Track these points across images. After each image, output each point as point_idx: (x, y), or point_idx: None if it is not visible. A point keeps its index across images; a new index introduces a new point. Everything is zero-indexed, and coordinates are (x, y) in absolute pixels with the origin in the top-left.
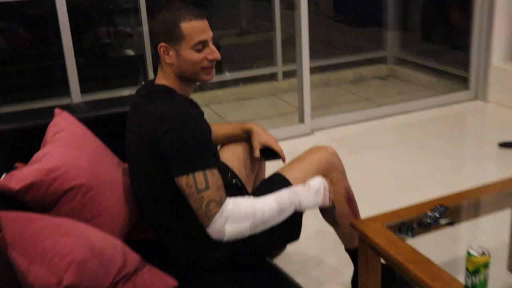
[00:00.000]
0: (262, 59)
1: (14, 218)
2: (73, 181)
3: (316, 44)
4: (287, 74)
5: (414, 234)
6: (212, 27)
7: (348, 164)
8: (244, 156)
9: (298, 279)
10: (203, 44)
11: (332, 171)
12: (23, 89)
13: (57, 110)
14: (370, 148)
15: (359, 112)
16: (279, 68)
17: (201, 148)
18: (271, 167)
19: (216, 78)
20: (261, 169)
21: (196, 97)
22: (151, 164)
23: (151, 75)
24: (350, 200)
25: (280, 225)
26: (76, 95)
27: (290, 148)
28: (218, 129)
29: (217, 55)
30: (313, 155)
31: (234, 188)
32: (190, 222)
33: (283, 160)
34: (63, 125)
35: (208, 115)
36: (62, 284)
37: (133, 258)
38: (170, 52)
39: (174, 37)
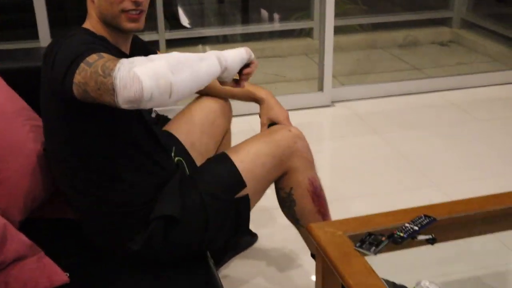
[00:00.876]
0: (298, 11)
1: None
2: None
3: None
4: None
5: (377, 250)
6: None
7: (362, 145)
8: (210, 120)
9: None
10: None
11: (293, 156)
12: None
13: None
14: (394, 129)
15: (398, 83)
16: (316, 23)
17: (91, 44)
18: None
19: (240, 29)
20: (227, 138)
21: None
22: (55, 110)
23: None
24: (316, 194)
25: (218, 215)
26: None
27: (303, 120)
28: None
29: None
30: (271, 135)
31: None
32: (103, 195)
33: None
34: None
35: None
36: None
37: (15, 245)
38: None
39: None
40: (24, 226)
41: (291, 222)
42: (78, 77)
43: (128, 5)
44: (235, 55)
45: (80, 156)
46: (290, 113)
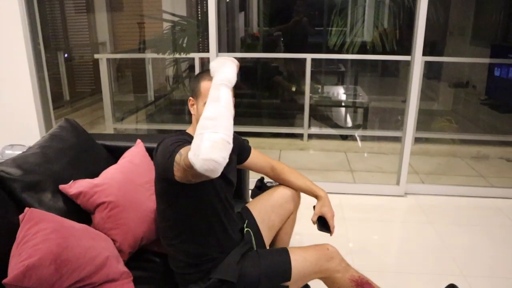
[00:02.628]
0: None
1: (44, 217)
2: (105, 198)
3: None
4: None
5: None
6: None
7: (414, 230)
8: (280, 203)
9: None
10: None
11: (332, 274)
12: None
13: (138, 140)
14: (447, 223)
15: (463, 187)
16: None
17: (182, 142)
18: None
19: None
20: (292, 218)
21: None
22: (160, 187)
23: None
24: (359, 284)
25: (268, 266)
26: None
27: (379, 203)
28: (297, 180)
29: None
30: (315, 248)
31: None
32: (182, 247)
33: (331, 234)
34: (131, 152)
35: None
36: (6, 280)
37: (110, 271)
38: (194, 106)
39: (196, 93)
40: (134, 256)
41: None
42: (176, 172)
43: None
44: (230, 74)
45: (173, 219)
46: (374, 197)
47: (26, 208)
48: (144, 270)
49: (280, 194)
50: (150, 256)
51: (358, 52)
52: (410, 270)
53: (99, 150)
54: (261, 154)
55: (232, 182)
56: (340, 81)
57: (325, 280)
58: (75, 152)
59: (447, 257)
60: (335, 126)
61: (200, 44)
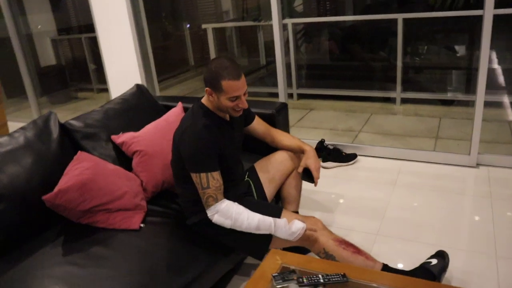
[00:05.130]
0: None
1: (87, 158)
2: (139, 147)
3: None
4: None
5: (281, 284)
6: None
7: (467, 204)
8: (279, 160)
9: None
10: (237, 97)
11: (315, 237)
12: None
13: (179, 102)
14: (508, 197)
15: None
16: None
17: (204, 157)
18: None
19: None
20: (293, 176)
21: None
22: (175, 157)
23: None
24: (343, 245)
25: (250, 240)
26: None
27: (448, 172)
28: (285, 140)
29: (245, 105)
30: (302, 216)
31: (246, 186)
32: (191, 197)
33: (315, 185)
34: (171, 112)
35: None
36: (44, 196)
37: (126, 202)
38: (213, 95)
39: (216, 88)
40: (158, 195)
41: None
42: (193, 177)
43: (237, 108)
44: (283, 236)
45: (182, 176)
46: (441, 166)
47: (79, 152)
48: (160, 206)
49: (278, 155)
50: (169, 197)
51: (463, 8)
52: (429, 241)
53: (158, 110)
54: (263, 123)
55: (241, 138)
56: (444, 41)
57: (309, 242)
58: (133, 112)
59: (491, 235)
60: (433, 90)
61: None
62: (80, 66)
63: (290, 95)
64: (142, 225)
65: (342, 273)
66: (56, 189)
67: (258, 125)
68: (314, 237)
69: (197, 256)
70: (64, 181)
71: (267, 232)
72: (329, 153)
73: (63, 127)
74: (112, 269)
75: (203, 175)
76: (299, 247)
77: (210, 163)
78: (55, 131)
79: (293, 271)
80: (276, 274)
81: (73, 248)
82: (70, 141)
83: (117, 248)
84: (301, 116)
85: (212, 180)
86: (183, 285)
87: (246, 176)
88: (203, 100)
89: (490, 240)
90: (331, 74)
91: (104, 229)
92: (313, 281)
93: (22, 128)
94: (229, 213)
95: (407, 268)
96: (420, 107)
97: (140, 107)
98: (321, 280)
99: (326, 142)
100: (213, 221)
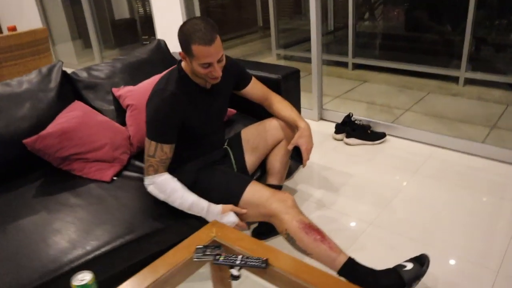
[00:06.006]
0: None
1: (79, 107)
2: (131, 101)
3: None
4: None
5: (199, 257)
6: None
7: (503, 209)
8: (267, 128)
9: None
10: (209, 64)
11: (280, 214)
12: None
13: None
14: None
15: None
16: None
17: (160, 127)
18: None
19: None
20: (281, 146)
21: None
22: None
23: None
24: (307, 229)
25: (223, 183)
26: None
27: (485, 167)
28: (283, 110)
29: (217, 74)
30: (273, 190)
31: (221, 154)
32: (182, 153)
33: (303, 166)
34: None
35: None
36: (24, 140)
37: (106, 155)
38: (186, 60)
39: (188, 52)
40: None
41: (303, 254)
42: (145, 140)
43: (211, 76)
44: (216, 220)
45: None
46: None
47: (75, 101)
48: (142, 161)
49: (268, 123)
50: None
51: None
52: (426, 241)
53: (167, 65)
54: (261, 85)
55: (223, 107)
56: None
57: (274, 220)
58: (144, 66)
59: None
60: (505, 72)
61: None
62: (150, 21)
63: (345, 64)
64: (115, 178)
65: (264, 258)
66: (37, 135)
67: (254, 90)
68: (278, 215)
69: (152, 215)
70: (48, 128)
71: (198, 214)
72: (354, 129)
73: (68, 77)
74: (68, 216)
75: (153, 143)
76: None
77: (164, 135)
78: (55, 80)
79: (218, 247)
80: (201, 246)
81: (45, 191)
82: (73, 91)
83: (82, 197)
84: (351, 88)
85: (160, 152)
86: (127, 242)
87: (225, 144)
88: (183, 64)
89: (500, 255)
90: (392, 45)
91: (80, 177)
92: (229, 261)
93: (27, 75)
94: (164, 188)
95: (380, 268)
96: (486, 90)
97: (152, 62)
98: (237, 262)
99: (360, 118)
100: (147, 190)
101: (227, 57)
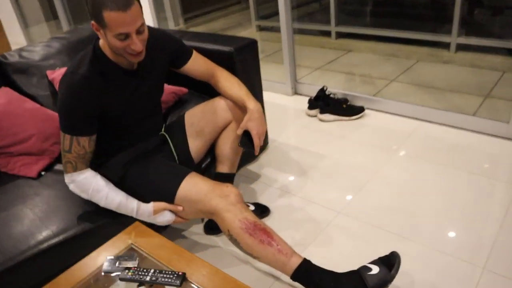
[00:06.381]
0: None
1: (5, 94)
2: None
3: None
4: None
5: (107, 270)
6: None
7: (490, 192)
8: (213, 110)
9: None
10: (126, 35)
11: (221, 212)
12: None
13: None
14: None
15: None
16: None
17: (72, 117)
18: None
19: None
20: (230, 128)
21: None
22: None
23: None
24: (251, 230)
25: (156, 179)
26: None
27: (474, 143)
28: (230, 88)
29: (137, 48)
30: (213, 183)
31: (156, 141)
32: (105, 148)
33: (255, 153)
34: None
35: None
36: None
37: (33, 147)
38: (101, 31)
39: (99, 21)
40: None
41: (250, 257)
42: (61, 138)
43: (130, 51)
44: (148, 219)
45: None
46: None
47: (1, 87)
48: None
49: (214, 103)
50: None
51: None
52: (401, 232)
53: None
54: (204, 60)
55: (155, 88)
56: None
57: (215, 218)
58: (83, 45)
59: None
60: (501, 36)
61: None
62: None
63: (328, 33)
64: (43, 172)
65: (181, 273)
66: None
67: (196, 66)
68: (219, 214)
69: (81, 216)
70: None
71: (128, 214)
72: (328, 104)
73: None
74: None
75: (67, 136)
76: None
77: (78, 126)
78: None
79: (132, 257)
80: (112, 257)
81: None
82: (1, 75)
83: (8, 194)
84: (335, 58)
85: (76, 146)
86: (42, 240)
87: (163, 129)
88: (100, 42)
89: (486, 248)
90: (378, 11)
91: (5, 174)
92: (138, 278)
93: None
94: (85, 187)
95: (343, 269)
96: (480, 56)
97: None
98: (147, 278)
99: (336, 91)
100: (70, 188)
101: (158, 29)
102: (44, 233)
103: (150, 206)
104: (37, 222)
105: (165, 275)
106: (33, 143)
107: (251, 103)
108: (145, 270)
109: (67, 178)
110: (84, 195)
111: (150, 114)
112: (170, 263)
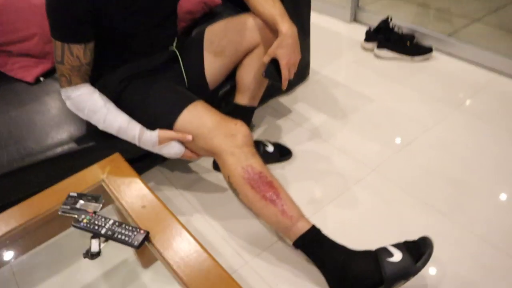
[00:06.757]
0: None
1: None
2: None
3: None
4: None
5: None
6: None
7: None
8: (238, 28)
9: None
10: None
11: (223, 154)
12: None
13: None
14: None
15: None
16: None
17: (61, 20)
18: None
19: None
20: (257, 53)
21: None
22: None
23: None
24: (254, 181)
25: (156, 101)
26: None
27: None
28: (262, 4)
29: None
30: (221, 116)
31: (165, 58)
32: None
33: (282, 87)
34: None
35: None
36: None
37: (35, 48)
38: None
39: None
40: None
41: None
42: (53, 46)
43: None
44: (153, 150)
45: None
46: None
47: None
48: None
49: (242, 19)
50: None
51: None
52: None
53: None
54: None
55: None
56: None
57: (217, 159)
58: None
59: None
60: None
61: None
62: None
63: None
64: (42, 78)
65: (143, 231)
66: None
67: None
68: (221, 155)
69: (68, 129)
70: None
71: (130, 141)
72: (389, 38)
73: None
74: None
75: (58, 43)
76: None
77: (69, 32)
78: None
79: (97, 198)
80: (75, 195)
81: None
82: None
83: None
84: None
85: (68, 56)
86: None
87: (174, 45)
88: None
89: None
90: None
91: (3, 74)
92: (92, 228)
93: None
94: (80, 106)
95: (359, 244)
96: None
97: None
98: (102, 231)
99: (404, 24)
100: (67, 106)
101: None
102: (24, 150)
103: (155, 134)
104: (23, 134)
105: (123, 231)
106: (35, 43)
107: (284, 25)
108: (103, 220)
109: (63, 93)
110: (81, 115)
111: (157, 25)
112: (137, 216)
